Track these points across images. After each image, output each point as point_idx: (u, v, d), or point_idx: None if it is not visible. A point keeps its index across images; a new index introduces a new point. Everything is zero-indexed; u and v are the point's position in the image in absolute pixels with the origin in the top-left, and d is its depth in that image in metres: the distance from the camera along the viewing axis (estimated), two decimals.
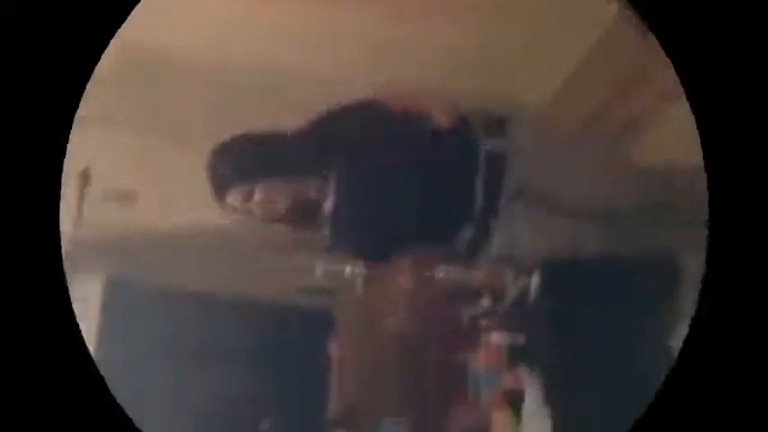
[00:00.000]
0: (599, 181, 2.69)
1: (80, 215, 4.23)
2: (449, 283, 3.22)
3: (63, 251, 3.88)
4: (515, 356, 3.29)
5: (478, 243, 2.62)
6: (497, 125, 2.64)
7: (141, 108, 4.09)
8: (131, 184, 4.17)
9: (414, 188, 2.57)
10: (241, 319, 4.36)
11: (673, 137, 3.00)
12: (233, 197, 2.50)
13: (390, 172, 2.57)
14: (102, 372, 4.04)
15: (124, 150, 4.17)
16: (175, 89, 3.78)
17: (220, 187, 2.51)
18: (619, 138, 3.20)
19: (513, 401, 3.23)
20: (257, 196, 2.48)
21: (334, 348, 3.64)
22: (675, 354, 3.02)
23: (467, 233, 2.60)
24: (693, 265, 2.90)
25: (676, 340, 3.02)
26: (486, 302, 3.36)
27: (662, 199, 2.73)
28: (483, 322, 3.35)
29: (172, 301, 4.33)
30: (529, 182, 2.62)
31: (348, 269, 3.39)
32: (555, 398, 3.06)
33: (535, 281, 3.14)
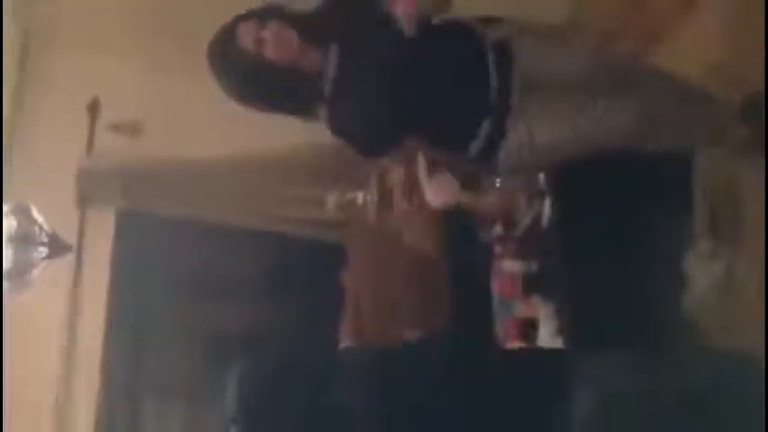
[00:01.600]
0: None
1: (91, 147, 4.20)
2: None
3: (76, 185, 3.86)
4: (529, 285, 3.24)
5: (494, 142, 2.60)
6: (494, 20, 2.68)
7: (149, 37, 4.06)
8: (138, 116, 4.12)
9: (418, 85, 2.57)
10: (252, 252, 4.33)
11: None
12: (245, 29, 2.60)
13: (393, 64, 2.60)
14: (116, 306, 4.06)
15: (131, 81, 4.13)
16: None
17: (236, 21, 2.63)
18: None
19: (527, 330, 3.20)
20: (270, 27, 2.59)
21: (346, 280, 3.58)
22: (688, 279, 2.99)
23: (482, 132, 2.59)
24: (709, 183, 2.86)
25: (690, 266, 2.97)
26: (498, 230, 3.30)
27: None
28: (497, 249, 3.30)
29: (182, 233, 4.30)
30: (537, 67, 2.62)
31: (360, 196, 3.33)
32: (568, 328, 3.02)
33: (548, 204, 3.09)
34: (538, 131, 2.62)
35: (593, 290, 2.96)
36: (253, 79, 2.64)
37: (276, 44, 2.60)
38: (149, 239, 4.31)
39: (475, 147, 2.60)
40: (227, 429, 2.18)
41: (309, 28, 2.65)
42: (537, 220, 3.15)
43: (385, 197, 3.22)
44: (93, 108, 4.22)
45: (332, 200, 3.46)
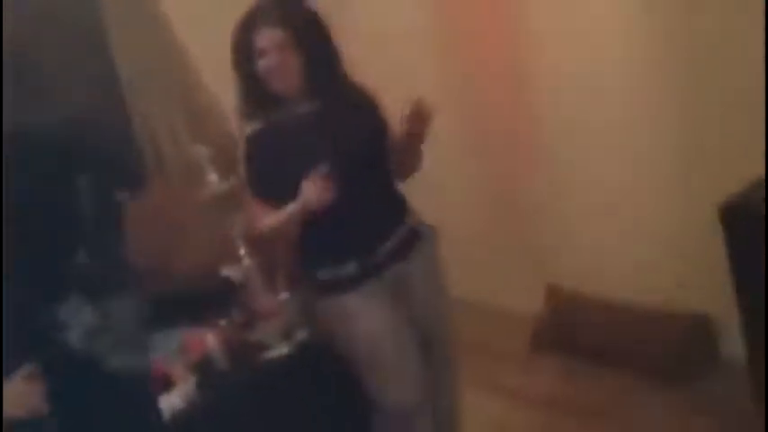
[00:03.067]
0: None
1: None
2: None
3: None
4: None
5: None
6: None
7: None
8: None
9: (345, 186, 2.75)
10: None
11: None
12: (265, 36, 2.78)
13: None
14: None
15: None
16: None
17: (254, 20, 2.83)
18: None
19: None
20: (283, 52, 2.77)
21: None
22: None
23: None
24: None
25: None
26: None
27: None
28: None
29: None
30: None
31: (222, 182, 3.35)
32: None
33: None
34: None
35: None
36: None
37: (281, 74, 2.76)
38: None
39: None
40: None
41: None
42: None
43: (234, 196, 3.26)
44: None
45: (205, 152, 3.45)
